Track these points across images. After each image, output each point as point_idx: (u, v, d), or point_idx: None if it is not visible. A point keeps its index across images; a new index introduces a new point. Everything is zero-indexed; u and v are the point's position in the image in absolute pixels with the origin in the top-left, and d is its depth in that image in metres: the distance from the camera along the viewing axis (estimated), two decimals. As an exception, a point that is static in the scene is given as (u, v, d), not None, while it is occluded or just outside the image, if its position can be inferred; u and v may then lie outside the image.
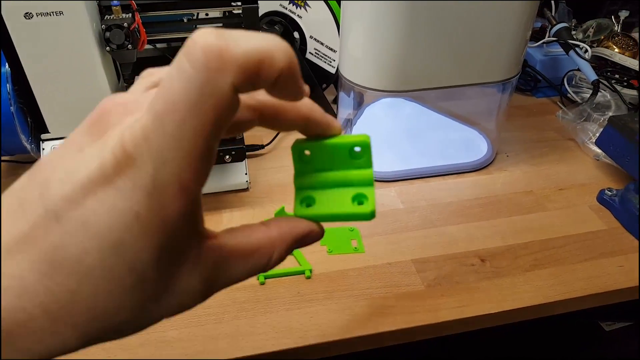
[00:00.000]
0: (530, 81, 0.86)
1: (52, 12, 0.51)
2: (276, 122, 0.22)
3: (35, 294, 0.16)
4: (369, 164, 0.24)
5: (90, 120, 0.19)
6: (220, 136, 0.17)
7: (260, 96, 0.21)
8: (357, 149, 0.23)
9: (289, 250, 0.22)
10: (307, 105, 0.22)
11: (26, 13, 0.50)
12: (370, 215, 0.23)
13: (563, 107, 0.79)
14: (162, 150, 0.16)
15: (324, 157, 0.24)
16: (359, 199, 0.24)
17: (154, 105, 0.16)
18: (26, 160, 0.68)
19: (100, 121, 0.19)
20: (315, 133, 0.23)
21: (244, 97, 0.20)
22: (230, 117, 0.17)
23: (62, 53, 0.54)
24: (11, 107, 0.55)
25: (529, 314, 0.49)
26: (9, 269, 0.16)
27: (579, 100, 0.79)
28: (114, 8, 0.54)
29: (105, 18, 0.55)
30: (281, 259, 0.22)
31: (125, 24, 0.54)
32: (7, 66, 0.54)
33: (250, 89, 0.17)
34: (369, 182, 0.24)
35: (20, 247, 0.17)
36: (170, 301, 0.19)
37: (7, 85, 0.55)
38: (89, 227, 0.16)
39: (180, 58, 0.16)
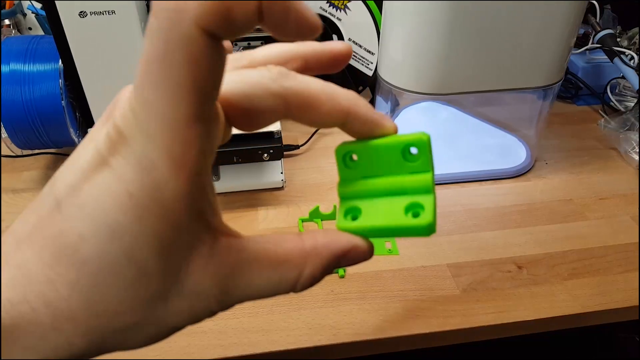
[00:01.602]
0: (572, 89, 0.84)
1: (105, 12, 0.53)
2: (308, 114, 0.18)
3: (38, 285, 0.16)
4: (427, 167, 0.20)
5: (106, 110, 0.18)
6: (212, 98, 0.15)
7: (288, 81, 0.18)
8: (414, 150, 0.20)
9: (326, 268, 0.19)
10: (348, 97, 0.19)
11: (81, 12, 0.52)
12: (428, 230, 0.19)
13: (605, 115, 0.77)
14: (146, 121, 0.14)
15: (373, 161, 0.20)
16: (414, 210, 0.19)
17: (135, 73, 0.14)
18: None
19: (114, 109, 0.17)
20: (359, 132, 0.20)
21: (266, 82, 0.17)
22: (213, 70, 0.14)
23: (112, 50, 0.56)
24: (62, 102, 0.57)
25: (566, 323, 0.48)
26: (16, 259, 0.16)
27: (622, 109, 0.77)
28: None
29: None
30: (314, 277, 0.19)
31: (173, 24, 0.56)
32: (60, 62, 0.57)
33: (228, 30, 0.14)
34: (428, 189, 0.20)
35: (28, 238, 0.16)
36: (179, 304, 0.17)
37: (60, 80, 0.57)
38: (85, 211, 0.15)
39: (149, 15, 0.14)
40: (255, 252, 0.18)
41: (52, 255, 0.16)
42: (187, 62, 0.14)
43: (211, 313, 0.19)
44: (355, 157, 0.21)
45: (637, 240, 0.56)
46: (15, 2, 0.85)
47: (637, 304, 0.49)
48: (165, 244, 0.16)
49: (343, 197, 0.22)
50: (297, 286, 0.19)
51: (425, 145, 0.20)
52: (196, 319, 0.18)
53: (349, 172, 0.22)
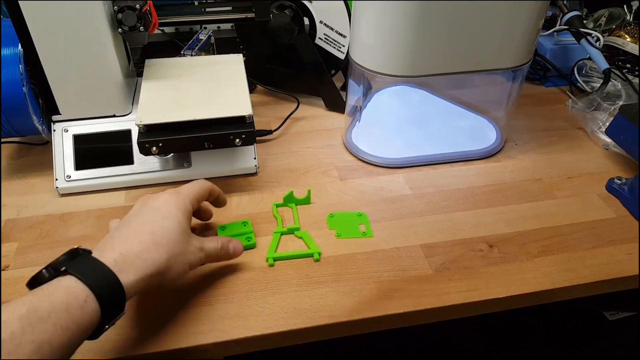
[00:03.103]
0: (540, 70, 0.85)
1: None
2: (212, 196, 0.52)
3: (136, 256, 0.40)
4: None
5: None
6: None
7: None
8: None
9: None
10: (216, 189, 0.52)
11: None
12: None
13: (572, 96, 0.79)
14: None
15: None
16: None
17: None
18: (37, 142, 0.69)
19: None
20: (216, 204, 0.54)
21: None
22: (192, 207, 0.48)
23: (74, 34, 0.54)
24: (23, 88, 0.55)
25: (536, 299, 0.50)
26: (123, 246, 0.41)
27: (588, 90, 0.79)
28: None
29: (117, -1, 0.55)
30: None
31: (137, 6, 0.55)
32: (19, 47, 0.55)
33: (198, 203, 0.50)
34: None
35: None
36: (187, 256, 0.44)
37: (20, 66, 0.55)
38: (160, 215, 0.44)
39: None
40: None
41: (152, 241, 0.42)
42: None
43: (196, 261, 0.45)
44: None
45: (605, 217, 0.58)
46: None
47: (605, 278, 0.50)
48: (185, 229, 0.45)
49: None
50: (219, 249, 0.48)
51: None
52: (191, 264, 0.44)
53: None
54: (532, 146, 0.70)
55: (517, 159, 0.68)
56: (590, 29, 0.80)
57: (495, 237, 0.55)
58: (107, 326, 0.37)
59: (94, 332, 0.36)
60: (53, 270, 0.37)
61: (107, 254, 0.39)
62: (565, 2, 0.83)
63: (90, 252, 0.39)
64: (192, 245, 0.44)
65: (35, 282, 0.36)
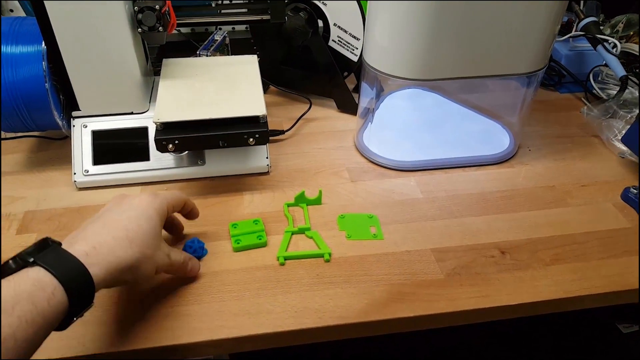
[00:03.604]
0: (555, 76, 0.85)
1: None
2: (185, 209, 0.52)
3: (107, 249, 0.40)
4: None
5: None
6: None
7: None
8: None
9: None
10: (190, 202, 0.52)
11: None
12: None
13: (588, 103, 0.78)
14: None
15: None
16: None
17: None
18: (57, 136, 0.70)
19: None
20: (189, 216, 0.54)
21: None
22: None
23: (95, 33, 0.55)
24: (46, 84, 0.56)
25: (548, 307, 0.49)
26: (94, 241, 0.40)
27: (604, 97, 0.78)
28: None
29: (137, 0, 0.56)
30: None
31: (157, 7, 0.55)
32: (43, 44, 0.56)
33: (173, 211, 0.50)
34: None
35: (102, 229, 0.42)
36: (156, 259, 0.44)
37: (43, 62, 0.56)
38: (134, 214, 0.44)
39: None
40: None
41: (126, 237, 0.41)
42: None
43: (164, 264, 0.45)
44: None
45: (620, 227, 0.57)
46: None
47: (618, 289, 0.50)
48: (157, 233, 0.45)
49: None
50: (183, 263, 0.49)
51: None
52: (159, 267, 0.44)
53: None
54: (546, 153, 0.70)
55: (530, 165, 0.68)
56: (607, 35, 0.79)
57: (507, 244, 0.55)
58: (75, 318, 0.36)
59: (61, 323, 0.35)
60: (21, 261, 0.36)
61: (78, 245, 0.38)
62: (581, 8, 0.83)
63: (60, 243, 0.38)
64: (162, 249, 0.45)
65: (1, 273, 0.35)
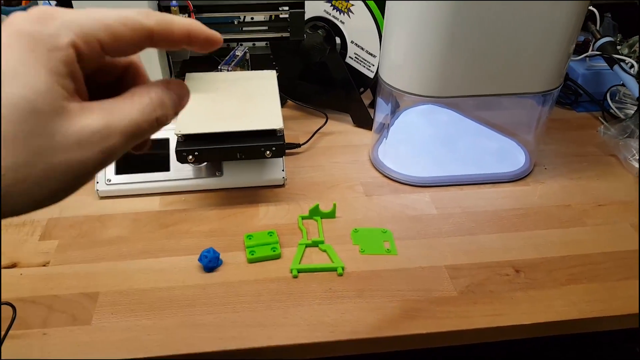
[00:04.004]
0: (571, 95, 0.85)
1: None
2: (166, 42, 0.24)
3: None
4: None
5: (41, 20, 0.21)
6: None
7: (155, 16, 0.23)
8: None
9: (175, 86, 0.25)
10: (185, 23, 0.24)
11: (93, 8, 0.53)
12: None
13: (605, 122, 0.78)
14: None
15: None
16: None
17: None
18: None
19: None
20: (199, 46, 0.25)
21: (140, 18, 0.23)
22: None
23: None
24: (69, 95, 0.58)
25: (563, 328, 0.49)
26: None
27: (622, 116, 0.78)
28: (172, 8, 0.56)
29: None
30: (161, 95, 0.24)
31: (181, 22, 0.57)
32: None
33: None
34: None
35: None
36: (67, 137, 0.20)
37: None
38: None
39: None
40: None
41: None
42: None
43: (98, 144, 0.21)
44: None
45: (637, 248, 0.57)
46: (30, 0, 0.85)
47: (637, 311, 0.49)
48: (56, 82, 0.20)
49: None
50: (156, 110, 0.23)
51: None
52: (82, 153, 0.21)
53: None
54: (562, 171, 0.70)
55: (546, 183, 0.67)
56: (625, 55, 0.79)
57: (522, 262, 0.54)
58: None
59: None
60: None
61: None
62: (598, 28, 0.83)
63: None
64: (70, 131, 0.20)
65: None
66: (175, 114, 0.25)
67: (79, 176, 0.21)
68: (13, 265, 0.53)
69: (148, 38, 0.23)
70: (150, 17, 0.23)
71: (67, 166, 0.20)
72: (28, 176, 0.20)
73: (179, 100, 0.25)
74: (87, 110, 0.21)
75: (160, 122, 0.24)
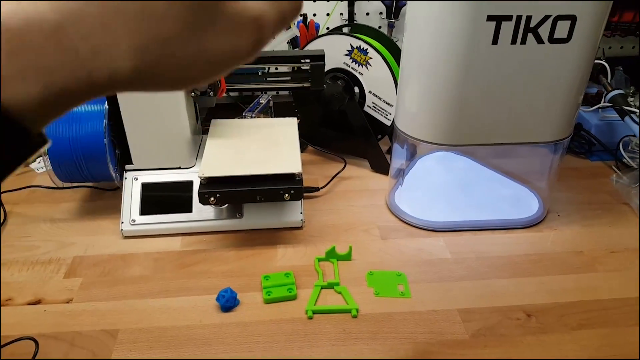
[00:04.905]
0: (585, 144, 0.86)
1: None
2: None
3: None
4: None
5: None
6: None
7: None
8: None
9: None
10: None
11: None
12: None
13: (618, 171, 0.79)
14: None
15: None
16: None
17: None
18: (109, 187, 0.76)
19: None
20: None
21: None
22: None
23: (153, 96, 0.61)
24: (105, 140, 0.62)
25: (575, 373, 0.49)
26: None
27: (634, 165, 0.79)
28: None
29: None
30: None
31: (209, 74, 0.62)
32: (106, 104, 0.63)
33: None
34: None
35: None
36: (220, 27, 0.19)
37: (104, 120, 0.62)
38: None
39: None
40: None
41: None
42: None
43: (247, 44, 0.20)
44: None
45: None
46: None
47: (645, 356, 0.49)
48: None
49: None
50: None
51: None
52: (233, 51, 0.20)
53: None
54: (575, 218, 0.70)
55: (559, 230, 0.68)
56: (638, 107, 0.81)
57: (534, 307, 0.55)
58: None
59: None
60: None
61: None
62: (609, 80, 0.85)
63: None
64: (228, 15, 0.19)
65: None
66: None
67: (224, 62, 0.20)
68: (38, 302, 0.55)
69: None
70: None
71: (221, 51, 0.20)
72: (178, 52, 0.18)
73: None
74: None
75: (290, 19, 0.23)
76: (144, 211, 0.65)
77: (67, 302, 0.56)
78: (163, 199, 0.66)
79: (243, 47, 0.20)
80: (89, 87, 0.17)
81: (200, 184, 0.60)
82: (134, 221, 0.65)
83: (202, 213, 0.66)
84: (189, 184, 0.66)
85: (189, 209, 0.66)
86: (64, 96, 0.17)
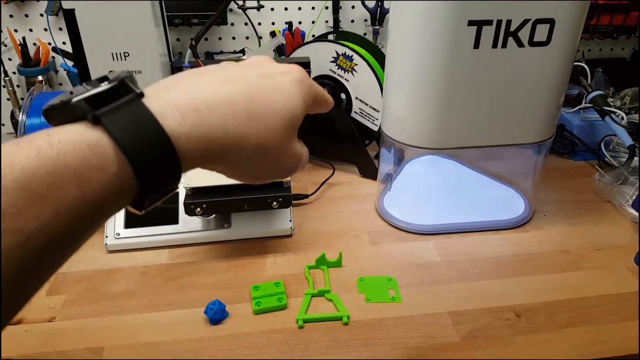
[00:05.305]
0: (568, 145, 0.88)
1: (134, 71, 0.58)
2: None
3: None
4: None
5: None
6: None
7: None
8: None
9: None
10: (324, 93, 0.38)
11: (110, 71, 0.58)
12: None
13: (600, 170, 0.80)
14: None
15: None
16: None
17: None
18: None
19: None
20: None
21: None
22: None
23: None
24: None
25: (565, 371, 0.49)
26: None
27: (616, 164, 0.81)
28: (185, 69, 0.61)
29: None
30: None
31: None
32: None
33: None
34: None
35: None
36: (292, 150, 0.32)
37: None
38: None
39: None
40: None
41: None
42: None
43: (299, 160, 0.34)
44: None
45: (634, 290, 0.58)
46: (50, 60, 0.92)
47: (635, 352, 0.50)
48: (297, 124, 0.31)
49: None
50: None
51: None
52: (295, 162, 0.33)
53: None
54: (561, 218, 0.71)
55: (545, 229, 0.69)
56: (617, 107, 0.83)
57: (523, 307, 0.55)
58: (149, 200, 0.26)
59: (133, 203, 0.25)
60: (78, 110, 0.23)
61: (171, 98, 0.26)
62: (589, 82, 0.87)
63: (141, 94, 0.25)
64: (294, 147, 0.32)
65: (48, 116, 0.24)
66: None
67: (285, 172, 0.34)
68: (18, 322, 0.54)
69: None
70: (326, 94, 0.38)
71: (278, 175, 0.34)
72: (263, 154, 0.30)
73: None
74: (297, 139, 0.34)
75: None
76: (128, 224, 0.65)
77: (50, 321, 0.54)
78: (148, 211, 0.65)
79: (288, 174, 0.34)
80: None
81: (186, 195, 0.59)
82: (119, 235, 0.64)
83: (188, 224, 0.65)
84: (175, 194, 0.66)
85: (175, 221, 0.65)
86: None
